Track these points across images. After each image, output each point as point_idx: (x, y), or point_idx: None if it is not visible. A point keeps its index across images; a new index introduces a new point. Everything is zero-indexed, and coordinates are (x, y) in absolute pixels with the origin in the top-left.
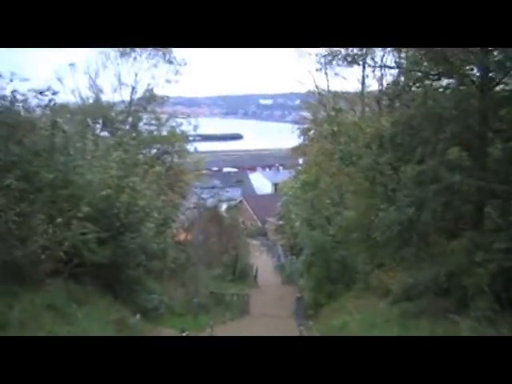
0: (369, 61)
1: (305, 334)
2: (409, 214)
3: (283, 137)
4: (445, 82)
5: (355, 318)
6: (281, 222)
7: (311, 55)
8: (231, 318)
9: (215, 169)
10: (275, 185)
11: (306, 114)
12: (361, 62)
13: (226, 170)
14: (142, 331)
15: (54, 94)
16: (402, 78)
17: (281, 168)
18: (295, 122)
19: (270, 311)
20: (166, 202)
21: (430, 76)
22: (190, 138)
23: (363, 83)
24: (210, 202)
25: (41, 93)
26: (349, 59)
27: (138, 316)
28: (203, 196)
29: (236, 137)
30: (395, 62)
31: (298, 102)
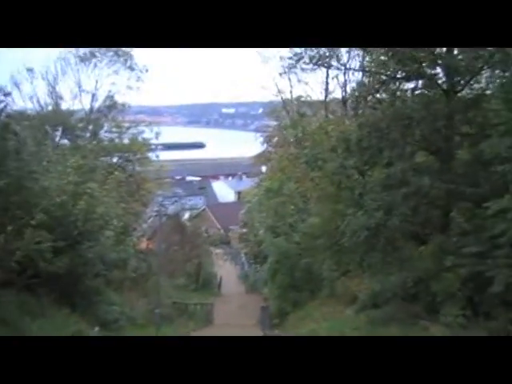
0: (333, 63)
1: None
2: (377, 218)
3: (246, 145)
4: (412, 84)
5: (322, 326)
6: (244, 230)
7: (275, 58)
8: (194, 328)
9: (178, 177)
10: (238, 193)
11: (269, 122)
12: (326, 65)
13: (188, 178)
14: None
15: (6, 95)
16: (367, 81)
17: (244, 176)
18: (258, 131)
19: (234, 320)
20: (127, 210)
21: (398, 78)
22: (152, 147)
23: (327, 88)
24: (172, 210)
25: None
26: (314, 61)
27: (97, 329)
28: (165, 204)
29: (198, 145)
30: (360, 64)
31: (260, 110)
